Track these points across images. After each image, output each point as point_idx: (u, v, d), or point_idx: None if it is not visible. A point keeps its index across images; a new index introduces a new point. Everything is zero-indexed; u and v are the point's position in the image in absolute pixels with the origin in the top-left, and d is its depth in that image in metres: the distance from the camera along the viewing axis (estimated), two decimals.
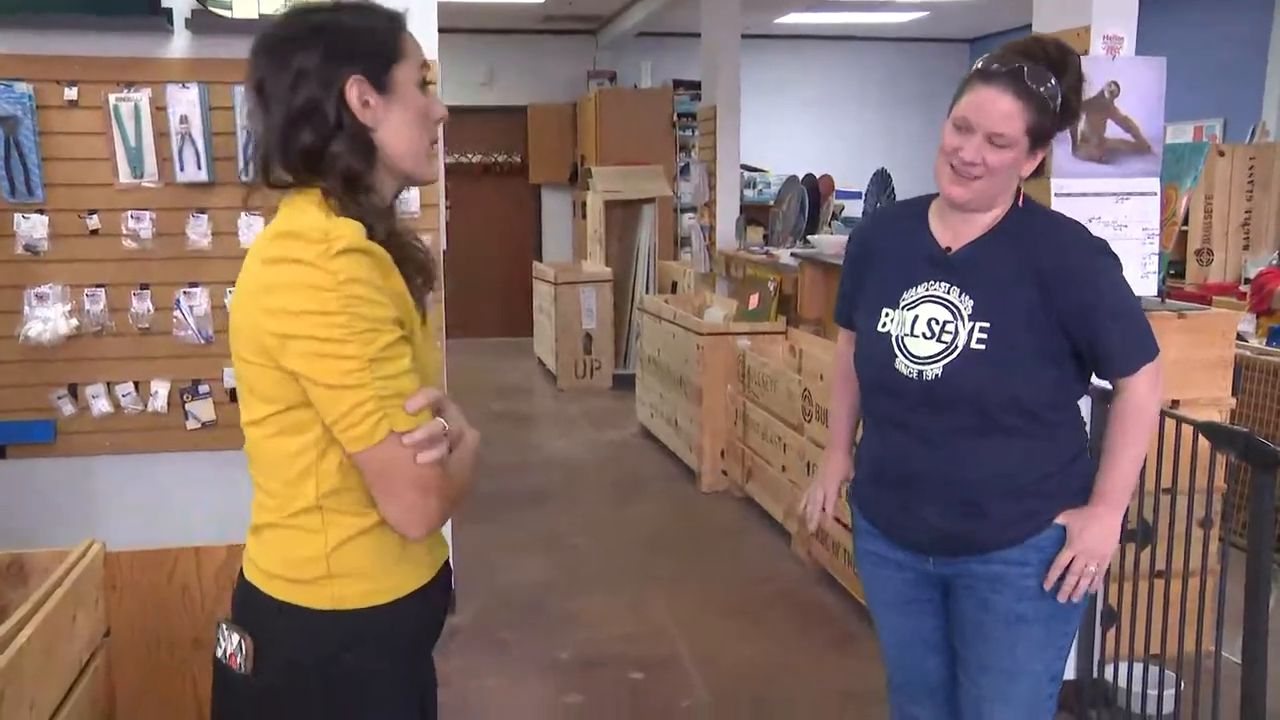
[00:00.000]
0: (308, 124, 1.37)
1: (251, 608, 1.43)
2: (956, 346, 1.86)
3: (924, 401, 1.88)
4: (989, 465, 1.88)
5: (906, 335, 1.91)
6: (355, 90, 1.38)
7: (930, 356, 1.87)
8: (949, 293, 1.89)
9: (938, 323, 1.88)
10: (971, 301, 1.86)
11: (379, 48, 1.41)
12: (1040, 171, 1.94)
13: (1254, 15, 7.69)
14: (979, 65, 1.84)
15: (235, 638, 1.41)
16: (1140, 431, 1.90)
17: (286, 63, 1.38)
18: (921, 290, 1.92)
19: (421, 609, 1.48)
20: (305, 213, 1.37)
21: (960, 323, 1.87)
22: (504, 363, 9.22)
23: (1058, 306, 1.83)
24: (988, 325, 1.84)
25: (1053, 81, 1.79)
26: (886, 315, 1.94)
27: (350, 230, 1.32)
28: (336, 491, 1.38)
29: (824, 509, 2.21)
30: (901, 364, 1.90)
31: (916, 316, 1.91)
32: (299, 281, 1.29)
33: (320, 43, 1.38)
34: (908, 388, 1.89)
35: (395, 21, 1.45)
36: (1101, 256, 1.87)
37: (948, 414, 1.87)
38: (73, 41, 2.98)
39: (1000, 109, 1.78)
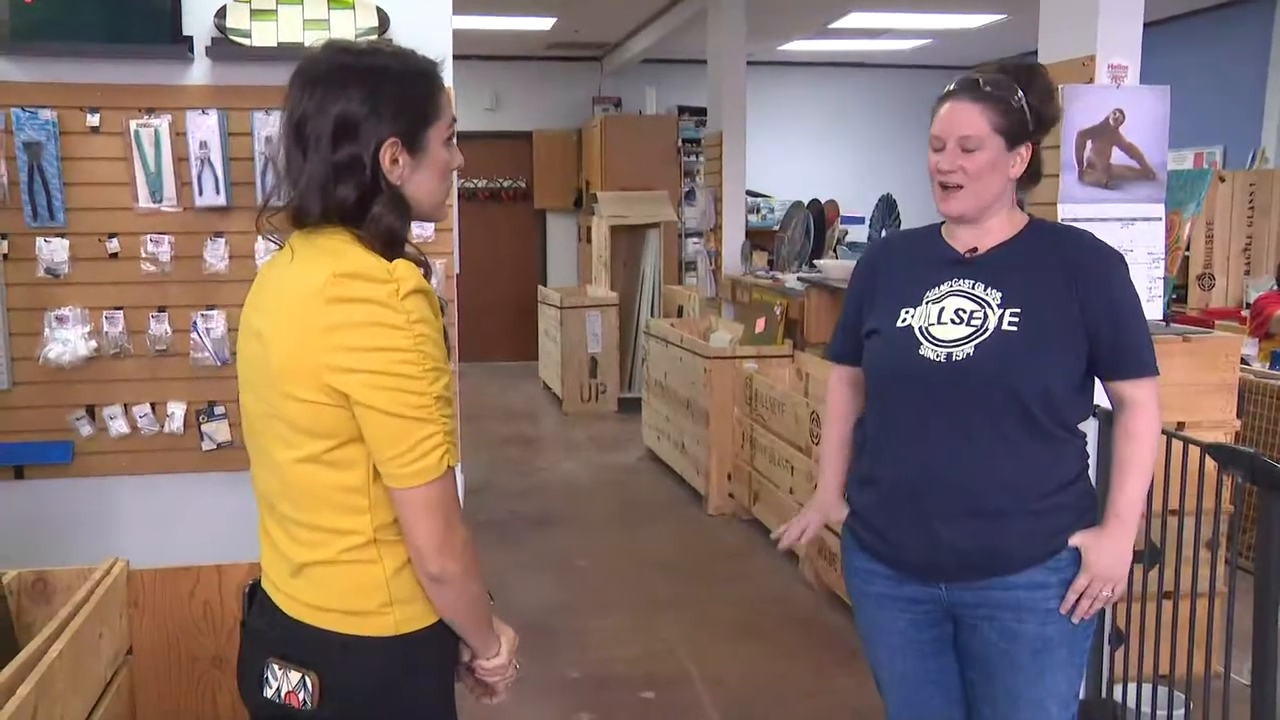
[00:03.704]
0: (349, 178, 1.41)
1: (307, 644, 1.44)
2: (988, 329, 1.84)
3: (951, 390, 1.84)
4: (1010, 473, 1.85)
5: (932, 325, 1.89)
6: (389, 153, 1.42)
7: (959, 339, 1.85)
8: (974, 287, 1.89)
9: (965, 312, 1.87)
10: (1000, 293, 1.87)
11: (418, 111, 1.44)
12: (1035, 179, 1.96)
13: (1252, 43, 7.78)
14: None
15: (295, 675, 1.43)
16: (1150, 446, 1.92)
17: (326, 106, 1.40)
18: (945, 288, 1.91)
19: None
20: (353, 252, 1.39)
21: (989, 310, 1.86)
22: (509, 386, 9.26)
23: (1084, 300, 1.85)
24: (1019, 311, 1.84)
25: (1017, 91, 1.86)
26: (907, 312, 1.92)
27: (412, 272, 1.38)
28: (390, 523, 1.42)
29: (800, 537, 2.14)
30: (927, 350, 1.86)
31: (942, 309, 1.89)
32: (371, 320, 1.34)
33: (364, 94, 1.40)
34: (933, 376, 1.85)
35: (434, 79, 1.48)
36: (1121, 263, 1.93)
37: (975, 405, 1.83)
38: (96, 69, 3.03)
39: (961, 116, 1.86)
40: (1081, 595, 1.88)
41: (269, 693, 1.45)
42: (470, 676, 1.61)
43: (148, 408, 3.19)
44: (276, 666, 1.45)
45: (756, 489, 5.19)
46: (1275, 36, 7.57)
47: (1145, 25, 3.07)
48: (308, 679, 1.42)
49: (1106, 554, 1.87)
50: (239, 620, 1.61)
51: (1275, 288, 5.82)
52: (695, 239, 8.74)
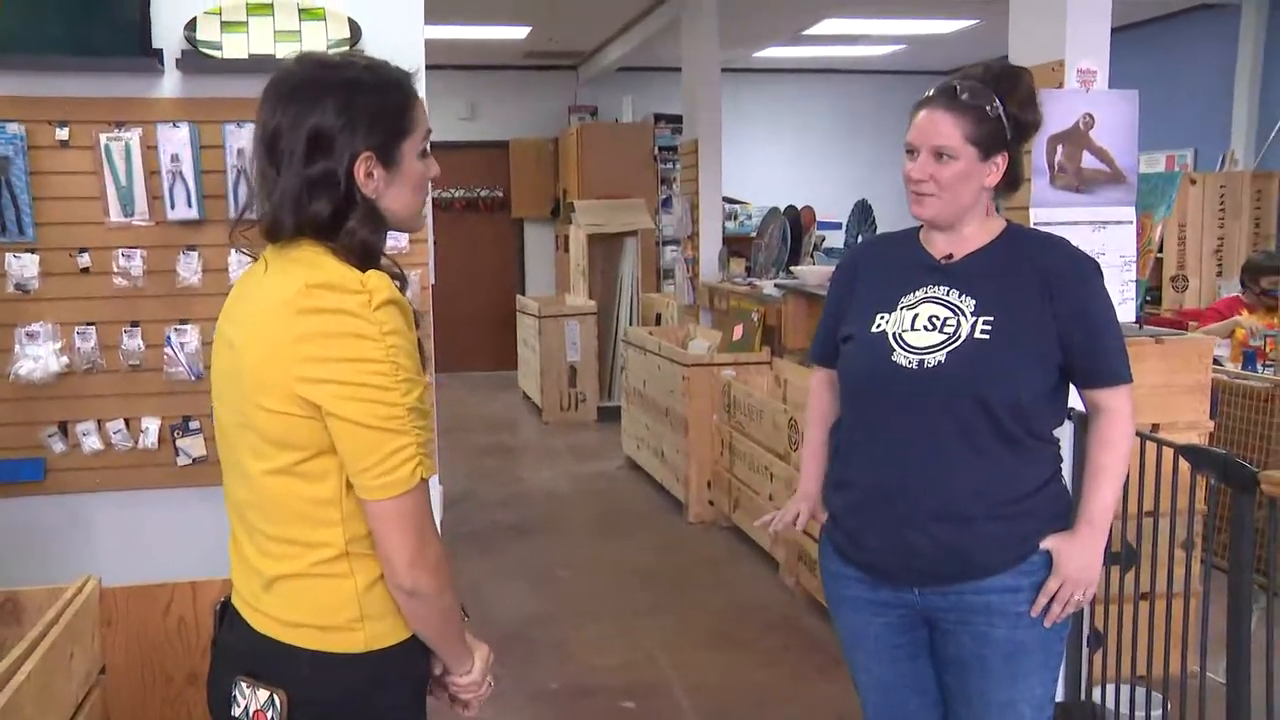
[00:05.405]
0: (323, 193, 1.40)
1: (276, 662, 1.43)
2: (960, 336, 1.85)
3: (921, 397, 1.85)
4: (979, 478, 1.85)
5: (905, 331, 1.89)
6: (363, 166, 1.41)
7: (931, 346, 1.85)
8: (949, 294, 1.90)
9: (938, 319, 1.88)
10: (973, 301, 1.87)
11: (392, 124, 1.43)
12: (1014, 186, 1.97)
13: (1220, 46, 7.86)
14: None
15: (264, 694, 1.41)
16: (1123, 453, 1.93)
17: (300, 120, 1.39)
18: (920, 294, 1.92)
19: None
20: (327, 264, 1.39)
21: (963, 318, 1.86)
22: (488, 396, 9.23)
23: (1057, 308, 1.85)
24: (991, 319, 1.85)
25: (994, 99, 1.86)
26: (882, 318, 1.93)
27: (385, 283, 1.37)
28: (362, 536, 1.41)
29: (794, 523, 2.13)
30: (900, 356, 1.87)
31: (916, 315, 1.90)
32: (343, 331, 1.33)
33: (337, 107, 1.39)
34: (906, 383, 1.86)
35: (408, 90, 1.47)
36: (1096, 272, 1.93)
37: (945, 412, 1.84)
38: (65, 82, 3.00)
39: (935, 126, 1.87)
40: (1053, 599, 1.88)
41: (237, 711, 1.43)
42: (443, 690, 1.60)
43: (121, 423, 3.16)
44: (245, 685, 1.43)
45: (736, 496, 5.19)
46: (1241, 40, 7.66)
47: (1113, 30, 3.10)
48: (276, 697, 1.40)
49: (1077, 558, 1.88)
50: (213, 638, 1.59)
51: (1240, 291, 5.88)
52: (672, 246, 8.76)
